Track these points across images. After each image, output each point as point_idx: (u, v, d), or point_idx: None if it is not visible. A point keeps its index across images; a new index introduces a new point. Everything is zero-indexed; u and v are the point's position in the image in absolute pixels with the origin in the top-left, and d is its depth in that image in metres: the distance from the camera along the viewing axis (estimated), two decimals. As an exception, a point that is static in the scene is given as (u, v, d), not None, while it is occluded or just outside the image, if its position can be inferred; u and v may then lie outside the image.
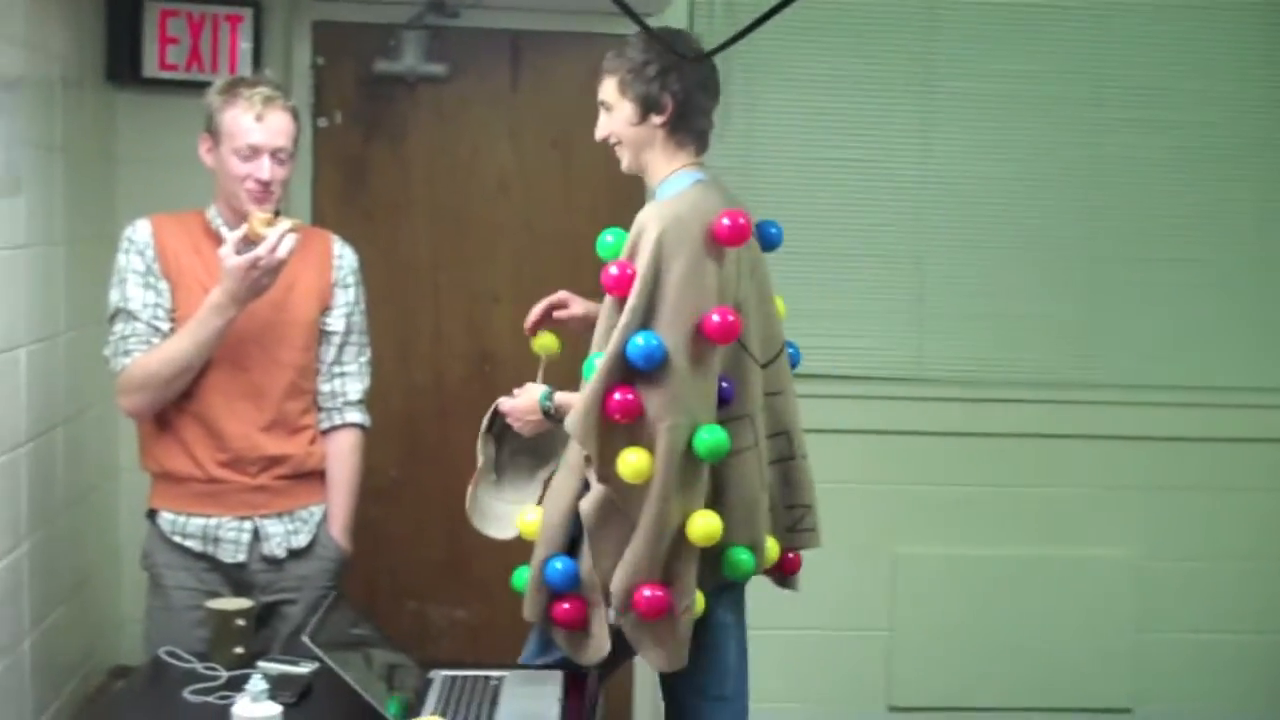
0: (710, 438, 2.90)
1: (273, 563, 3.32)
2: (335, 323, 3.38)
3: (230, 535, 3.28)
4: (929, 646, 4.75)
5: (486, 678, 3.04)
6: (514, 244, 4.68)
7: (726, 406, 3.02)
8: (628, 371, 2.90)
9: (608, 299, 3.00)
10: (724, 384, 3.01)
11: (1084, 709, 4.80)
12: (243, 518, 3.28)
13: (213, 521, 3.27)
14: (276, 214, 3.29)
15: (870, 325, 4.78)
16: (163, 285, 3.23)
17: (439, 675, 3.06)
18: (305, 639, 2.76)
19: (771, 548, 3.17)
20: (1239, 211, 4.84)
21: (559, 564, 3.05)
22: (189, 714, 2.81)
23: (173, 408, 3.24)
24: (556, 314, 3.38)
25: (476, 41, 4.62)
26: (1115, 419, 4.77)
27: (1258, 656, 4.87)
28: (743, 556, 3.07)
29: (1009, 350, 4.82)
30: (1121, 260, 4.83)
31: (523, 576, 3.13)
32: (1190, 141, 4.81)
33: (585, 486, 3.04)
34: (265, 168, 3.19)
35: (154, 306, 3.22)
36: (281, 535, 3.32)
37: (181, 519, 3.28)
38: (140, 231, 3.26)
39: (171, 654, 3.07)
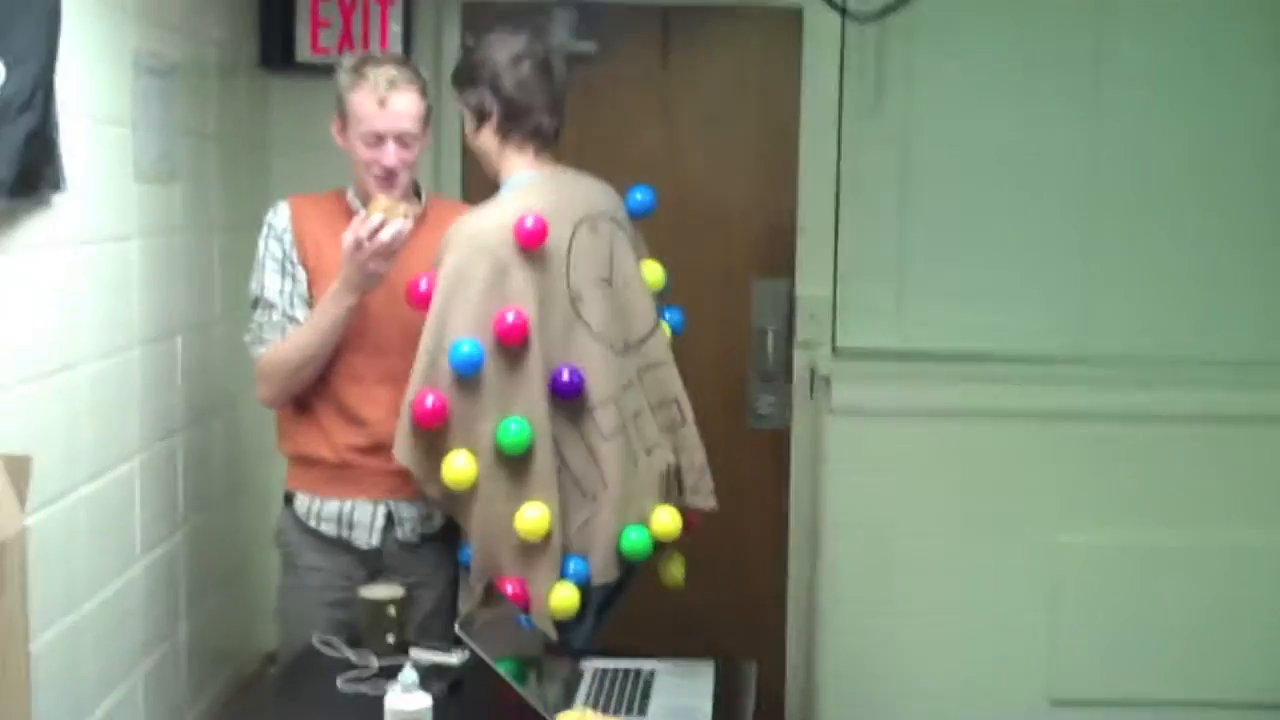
0: (515, 429, 3.01)
1: (406, 547, 3.29)
2: None
3: (364, 519, 3.26)
4: (1093, 638, 4.59)
5: (638, 670, 3.00)
6: (664, 224, 4.61)
7: (583, 396, 3.11)
8: (435, 378, 3.02)
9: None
10: (573, 375, 3.09)
11: (1257, 705, 4.61)
12: (377, 501, 3.27)
13: (347, 505, 3.26)
14: (418, 192, 3.27)
15: (1033, 306, 4.64)
16: (299, 272, 3.23)
17: (590, 666, 3.03)
18: (456, 629, 2.75)
19: (671, 520, 3.21)
20: None
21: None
22: (341, 703, 2.81)
23: (311, 393, 3.24)
24: None
25: (626, 18, 4.57)
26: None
27: None
28: (633, 536, 3.15)
29: (1177, 332, 4.64)
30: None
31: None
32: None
33: None
34: (390, 153, 3.17)
35: (289, 294, 3.22)
36: (415, 520, 3.29)
37: (317, 502, 3.28)
38: (279, 217, 3.27)
39: (325, 642, 3.07)
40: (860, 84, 4.60)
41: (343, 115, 3.22)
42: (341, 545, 3.28)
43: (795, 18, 4.59)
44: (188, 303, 3.60)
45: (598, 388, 3.14)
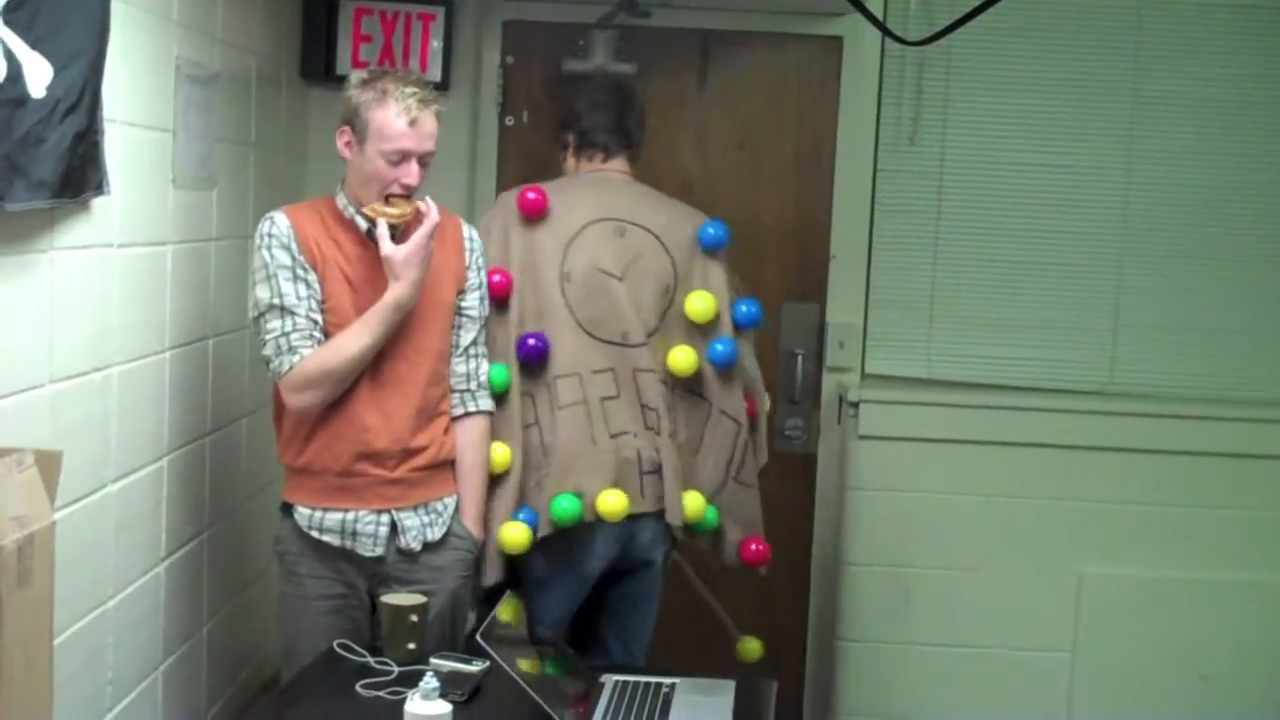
0: (494, 373, 3.43)
1: (409, 555, 3.28)
2: (475, 305, 3.38)
3: (368, 529, 3.24)
4: (1114, 671, 4.58)
5: (658, 684, 3.01)
6: (697, 246, 4.65)
7: (544, 362, 3.47)
8: None
9: None
10: (538, 341, 3.47)
11: (1282, 741, 4.60)
12: (380, 511, 3.26)
13: (350, 515, 3.24)
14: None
15: (1062, 336, 4.65)
16: (311, 276, 3.21)
17: (609, 679, 3.04)
18: (477, 638, 2.77)
19: (617, 501, 3.41)
20: None
21: None
22: (361, 707, 2.83)
23: None
24: None
25: (666, 41, 4.60)
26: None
27: None
28: (564, 504, 3.40)
29: (1207, 365, 4.65)
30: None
31: None
32: None
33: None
34: (414, 172, 3.19)
35: (307, 299, 3.19)
36: (418, 528, 3.28)
37: (319, 514, 3.25)
38: (280, 225, 3.21)
39: (345, 646, 3.09)
40: (897, 113, 4.63)
41: (357, 130, 3.20)
42: (344, 555, 3.26)
43: (835, 45, 4.61)
44: (220, 308, 3.63)
45: (561, 361, 3.48)
